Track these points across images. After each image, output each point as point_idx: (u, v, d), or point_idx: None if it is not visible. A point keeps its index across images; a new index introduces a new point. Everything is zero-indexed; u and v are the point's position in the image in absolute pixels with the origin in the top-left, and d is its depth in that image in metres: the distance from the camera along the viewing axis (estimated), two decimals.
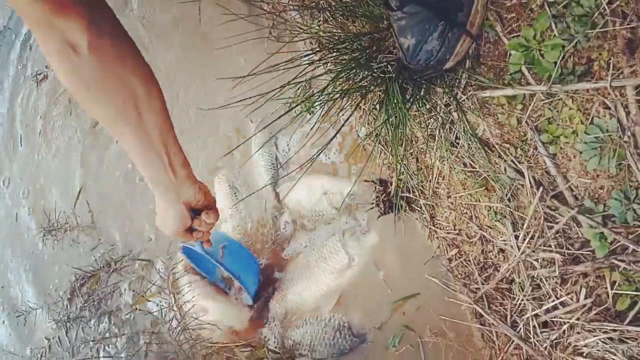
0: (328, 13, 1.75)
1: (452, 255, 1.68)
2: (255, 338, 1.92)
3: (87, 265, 2.23)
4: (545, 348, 1.40)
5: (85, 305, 2.18)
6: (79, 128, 2.47)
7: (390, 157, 1.74)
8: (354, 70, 1.57)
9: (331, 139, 1.63)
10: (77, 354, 2.15)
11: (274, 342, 1.91)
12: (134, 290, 2.15)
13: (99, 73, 0.90)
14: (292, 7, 1.96)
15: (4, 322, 2.41)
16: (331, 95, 1.58)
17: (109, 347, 2.12)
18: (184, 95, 2.25)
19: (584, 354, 1.32)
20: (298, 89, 1.86)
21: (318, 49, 1.66)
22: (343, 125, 1.60)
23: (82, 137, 2.45)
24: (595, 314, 1.30)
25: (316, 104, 1.69)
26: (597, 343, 1.27)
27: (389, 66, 1.54)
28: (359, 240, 1.87)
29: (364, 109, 1.78)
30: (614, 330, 1.24)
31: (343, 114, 1.74)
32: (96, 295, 2.18)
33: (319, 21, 1.78)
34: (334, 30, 1.71)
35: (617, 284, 1.27)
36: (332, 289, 1.88)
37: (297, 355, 1.86)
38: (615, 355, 1.24)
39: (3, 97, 2.74)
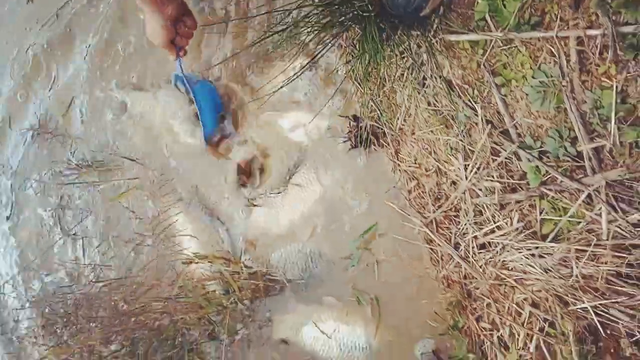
0: None
1: (412, 187, 1.85)
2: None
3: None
4: (481, 266, 1.61)
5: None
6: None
7: (364, 94, 1.89)
8: (336, 7, 1.71)
9: (303, 69, 1.77)
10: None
11: (247, 258, 2.11)
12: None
13: None
14: None
15: None
16: (313, 28, 1.72)
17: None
18: None
19: (509, 268, 1.53)
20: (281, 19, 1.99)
21: None
22: (317, 56, 1.74)
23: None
24: (525, 236, 1.50)
25: (299, 33, 1.81)
26: (521, 258, 1.47)
27: (369, 5, 1.67)
28: (332, 171, 2.03)
29: (344, 46, 1.92)
30: (536, 247, 1.45)
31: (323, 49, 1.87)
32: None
33: None
34: None
35: (545, 210, 1.47)
36: (306, 217, 2.06)
37: (270, 274, 2.06)
38: (533, 267, 1.45)
39: None
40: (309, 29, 1.70)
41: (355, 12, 1.68)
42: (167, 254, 2.17)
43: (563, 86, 1.38)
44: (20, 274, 2.47)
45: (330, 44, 1.70)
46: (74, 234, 2.38)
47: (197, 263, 2.10)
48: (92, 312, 2.18)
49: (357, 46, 1.74)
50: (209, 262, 2.07)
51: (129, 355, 2.08)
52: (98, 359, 2.13)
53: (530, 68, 1.46)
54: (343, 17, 1.71)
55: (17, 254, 2.48)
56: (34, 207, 2.47)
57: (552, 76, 1.40)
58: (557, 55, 1.39)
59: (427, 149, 1.79)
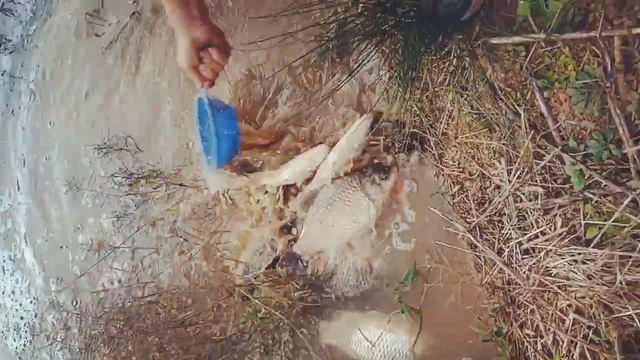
0: None
1: (455, 192, 1.84)
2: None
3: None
4: (524, 272, 1.58)
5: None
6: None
7: (407, 99, 1.90)
8: (380, 15, 1.73)
9: (348, 78, 1.80)
10: None
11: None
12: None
13: None
14: None
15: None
16: (357, 37, 1.75)
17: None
18: None
19: (553, 274, 1.49)
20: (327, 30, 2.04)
21: None
22: (363, 62, 1.77)
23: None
24: (568, 242, 1.46)
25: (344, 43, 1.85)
26: (564, 264, 1.44)
27: (411, 12, 1.69)
28: (380, 186, 2.02)
29: (387, 52, 1.93)
30: (579, 253, 1.41)
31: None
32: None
33: None
34: None
35: (589, 215, 1.43)
36: (355, 233, 2.05)
37: (322, 291, 2.08)
38: (576, 274, 1.41)
39: None
40: (352, 39, 1.73)
41: (398, 19, 1.70)
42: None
43: (607, 87, 1.34)
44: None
45: (373, 52, 1.73)
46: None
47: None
48: (147, 321, 2.30)
49: (400, 52, 1.75)
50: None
51: None
52: None
53: (574, 69, 1.43)
54: (385, 25, 1.73)
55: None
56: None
57: (595, 77, 1.37)
58: (600, 55, 1.36)
59: (470, 153, 1.78)
